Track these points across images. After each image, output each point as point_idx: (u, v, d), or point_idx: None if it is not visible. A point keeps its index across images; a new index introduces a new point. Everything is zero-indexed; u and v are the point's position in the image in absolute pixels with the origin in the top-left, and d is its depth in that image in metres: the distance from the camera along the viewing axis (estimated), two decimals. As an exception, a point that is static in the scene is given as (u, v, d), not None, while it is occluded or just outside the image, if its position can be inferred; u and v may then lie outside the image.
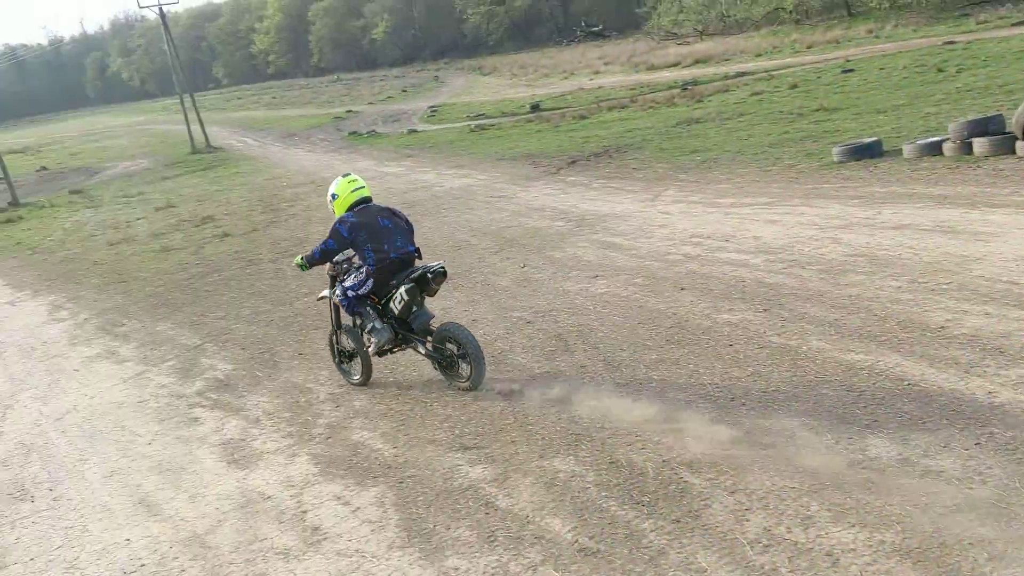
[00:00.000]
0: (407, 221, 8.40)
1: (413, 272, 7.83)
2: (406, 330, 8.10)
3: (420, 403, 8.11)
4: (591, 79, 51.90)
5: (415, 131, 38.90)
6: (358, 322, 8.43)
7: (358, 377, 8.84)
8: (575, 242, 13.66)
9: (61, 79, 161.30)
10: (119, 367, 11.45)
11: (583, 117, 31.91)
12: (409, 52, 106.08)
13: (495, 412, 7.51)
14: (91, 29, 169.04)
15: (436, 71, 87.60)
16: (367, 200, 8.10)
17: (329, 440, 7.69)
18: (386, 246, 7.84)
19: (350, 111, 56.57)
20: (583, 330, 9.36)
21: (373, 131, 42.03)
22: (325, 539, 5.82)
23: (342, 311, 8.52)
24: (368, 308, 8.13)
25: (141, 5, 52.80)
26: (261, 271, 15.88)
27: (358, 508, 6.18)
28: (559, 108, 37.42)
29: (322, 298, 9.15)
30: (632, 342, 8.75)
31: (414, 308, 7.95)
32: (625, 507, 5.48)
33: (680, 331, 8.86)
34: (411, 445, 7.18)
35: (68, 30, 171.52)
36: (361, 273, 8.01)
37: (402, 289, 7.74)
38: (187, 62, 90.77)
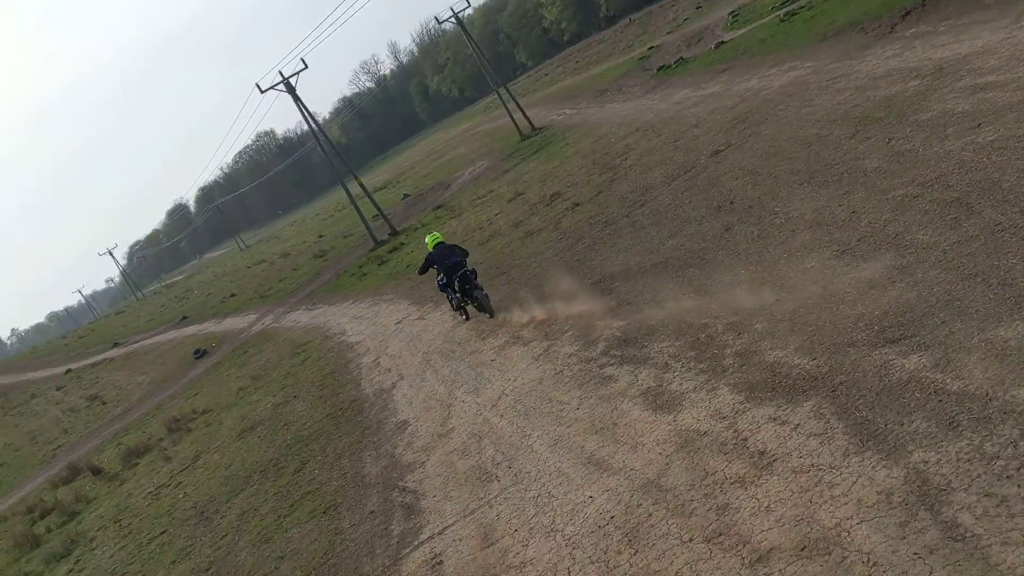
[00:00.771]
0: (462, 250, 15.77)
1: (459, 272, 15.14)
2: (466, 295, 15.31)
3: (825, 309, 7.83)
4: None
5: (722, 43, 37.42)
6: (445, 290, 16.00)
7: (462, 318, 16.24)
8: (939, 97, 12.28)
9: (394, 112, 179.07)
10: (526, 348, 12.42)
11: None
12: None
13: (911, 299, 7.02)
14: (404, 59, 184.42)
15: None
16: (442, 243, 15.82)
17: (743, 367, 7.70)
18: (447, 261, 15.36)
19: (651, 47, 55.72)
20: (984, 186, 8.40)
21: (680, 59, 41.14)
22: (775, 460, 5.84)
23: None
24: (448, 289, 15.78)
25: (440, 21, 56.78)
26: (619, 228, 16.28)
27: (798, 425, 6.12)
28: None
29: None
30: (1049, 183, 7.68)
31: (467, 287, 15.13)
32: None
33: (1107, 154, 7.60)
34: (830, 353, 6.95)
35: (386, 67, 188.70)
36: (440, 275, 15.71)
37: (456, 282, 15.22)
38: (491, 58, 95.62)
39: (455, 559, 7.41)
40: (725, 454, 6.34)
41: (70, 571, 14.22)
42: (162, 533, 13.40)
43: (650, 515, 6.17)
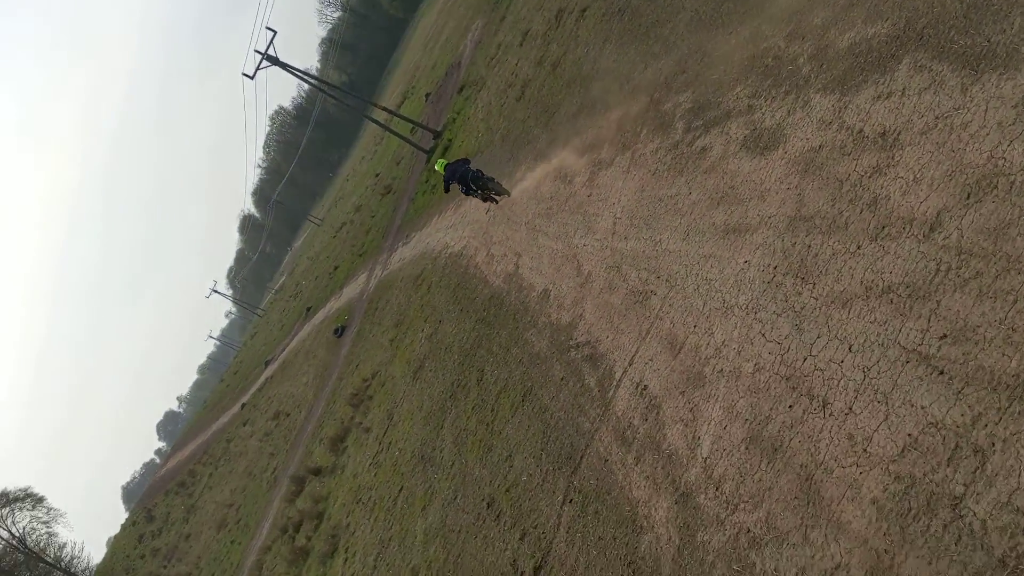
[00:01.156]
0: (464, 160, 17.71)
1: (469, 176, 17.16)
2: (484, 189, 17.58)
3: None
4: None
5: None
6: (470, 193, 17.95)
7: (494, 205, 19.04)
8: None
9: (373, 26, 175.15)
10: (612, 167, 12.29)
11: None
12: None
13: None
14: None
15: None
16: (447, 163, 17.98)
17: (823, 66, 7.39)
18: (457, 174, 17.32)
19: None
20: None
21: None
22: (899, 133, 5.66)
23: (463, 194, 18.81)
24: (471, 192, 17.61)
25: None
26: (636, 8, 15.60)
27: (904, 89, 5.88)
28: None
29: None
30: None
31: (480, 183, 17.32)
32: None
33: None
34: (900, 5, 6.56)
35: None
36: (460, 186, 17.51)
37: (471, 184, 17.24)
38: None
39: (656, 378, 7.62)
40: (848, 154, 6.18)
41: (345, 560, 15.48)
42: (400, 491, 14.33)
43: (809, 247, 6.14)
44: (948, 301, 4.78)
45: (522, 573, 8.28)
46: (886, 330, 5.07)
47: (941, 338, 4.71)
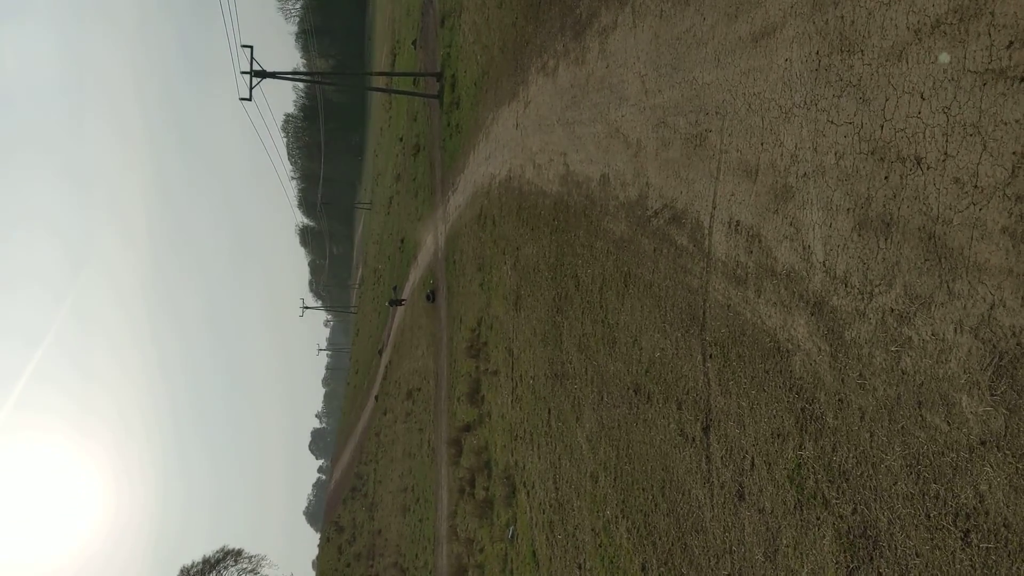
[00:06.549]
0: (394, 295, 54.69)
1: (395, 302, 53.03)
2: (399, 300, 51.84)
3: None
4: None
5: None
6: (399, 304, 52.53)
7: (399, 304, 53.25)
8: None
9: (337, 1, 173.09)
10: (617, 29, 11.96)
11: None
12: None
13: None
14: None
15: None
16: (390, 300, 55.03)
17: None
18: (394, 301, 51.88)
19: None
20: None
21: None
22: None
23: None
24: (399, 303, 51.70)
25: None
26: None
27: None
28: None
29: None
30: None
31: (397, 304, 53.04)
32: None
33: None
34: None
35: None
36: (395, 302, 52.47)
37: (398, 300, 53.01)
38: None
39: (744, 209, 7.51)
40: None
41: (527, 494, 15.97)
42: (549, 413, 14.64)
43: (842, 17, 5.89)
44: (1001, 8, 4.54)
45: (692, 438, 8.40)
46: (951, 63, 4.86)
47: (1008, 47, 4.48)
